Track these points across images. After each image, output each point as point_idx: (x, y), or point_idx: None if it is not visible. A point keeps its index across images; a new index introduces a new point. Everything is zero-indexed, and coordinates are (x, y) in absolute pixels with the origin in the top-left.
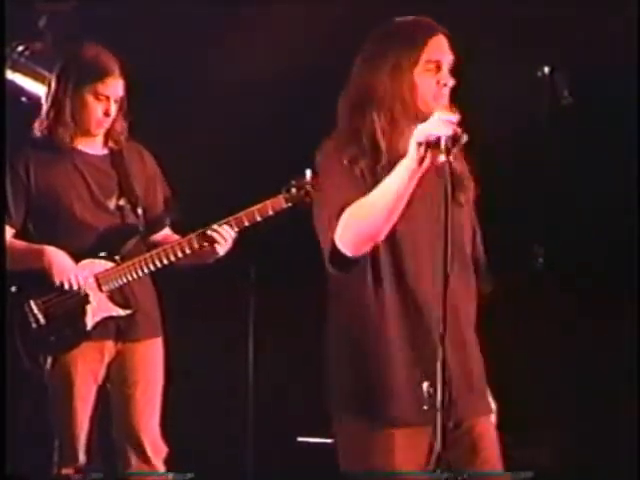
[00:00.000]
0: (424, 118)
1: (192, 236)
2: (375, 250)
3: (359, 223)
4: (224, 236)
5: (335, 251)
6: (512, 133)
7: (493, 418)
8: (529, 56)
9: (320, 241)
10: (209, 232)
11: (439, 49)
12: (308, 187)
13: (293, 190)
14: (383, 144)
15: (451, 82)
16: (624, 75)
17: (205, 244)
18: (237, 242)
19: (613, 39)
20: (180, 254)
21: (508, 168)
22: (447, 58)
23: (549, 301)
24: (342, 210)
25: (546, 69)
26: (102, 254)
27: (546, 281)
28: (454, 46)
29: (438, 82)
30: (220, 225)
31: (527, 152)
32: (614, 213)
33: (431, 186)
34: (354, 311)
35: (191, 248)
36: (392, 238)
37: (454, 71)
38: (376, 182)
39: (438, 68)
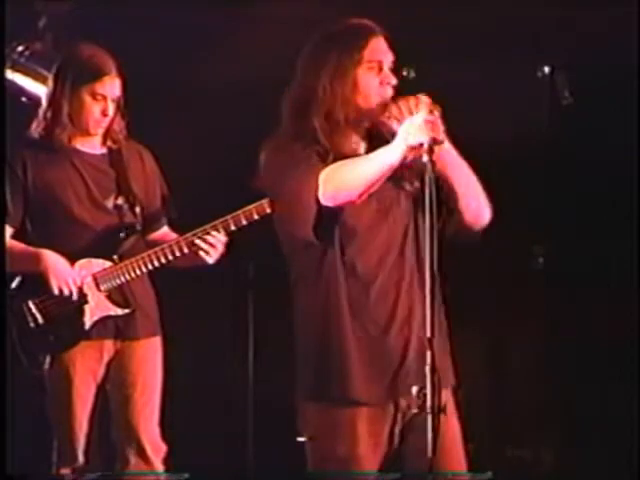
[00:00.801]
0: (368, 118)
1: (187, 236)
2: (330, 241)
3: (340, 177)
4: (213, 243)
5: (320, 212)
6: (512, 133)
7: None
8: (529, 56)
9: (296, 222)
10: (197, 241)
11: (379, 49)
12: None
13: None
14: (327, 144)
15: (394, 81)
16: (624, 75)
17: (195, 250)
18: (235, 240)
19: (613, 39)
20: (178, 253)
21: (508, 168)
22: (388, 58)
23: (549, 301)
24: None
25: (546, 69)
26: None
27: (546, 281)
28: (393, 46)
29: (382, 82)
30: (216, 225)
31: (527, 152)
32: (614, 213)
33: (387, 187)
34: (312, 298)
35: (188, 248)
36: (344, 233)
37: (396, 71)
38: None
39: (380, 68)
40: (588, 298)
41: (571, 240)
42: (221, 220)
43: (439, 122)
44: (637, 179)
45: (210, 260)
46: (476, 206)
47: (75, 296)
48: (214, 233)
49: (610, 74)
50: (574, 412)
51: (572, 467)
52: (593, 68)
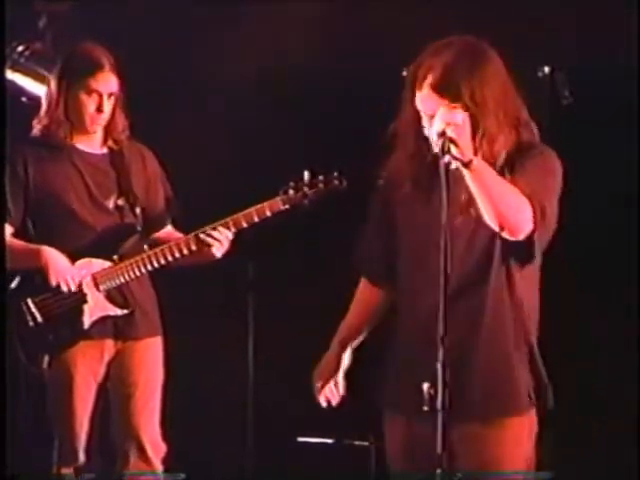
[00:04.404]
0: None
1: (189, 237)
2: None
3: None
4: (219, 239)
5: None
6: None
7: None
8: (529, 56)
9: None
10: (202, 236)
11: (424, 104)
12: (305, 189)
13: (290, 192)
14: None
15: (440, 126)
16: (624, 75)
17: (201, 246)
18: (235, 239)
19: (613, 39)
20: (177, 254)
21: None
22: (437, 108)
23: (549, 300)
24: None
25: (546, 69)
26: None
27: (546, 281)
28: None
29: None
30: (216, 227)
31: None
32: (614, 213)
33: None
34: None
35: (188, 249)
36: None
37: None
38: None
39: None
40: (588, 298)
41: (571, 240)
42: (219, 222)
43: (450, 119)
44: (637, 179)
45: (218, 254)
46: (496, 214)
47: (73, 293)
48: (220, 229)
49: (610, 74)
50: (574, 412)
51: (572, 467)
52: (593, 68)
